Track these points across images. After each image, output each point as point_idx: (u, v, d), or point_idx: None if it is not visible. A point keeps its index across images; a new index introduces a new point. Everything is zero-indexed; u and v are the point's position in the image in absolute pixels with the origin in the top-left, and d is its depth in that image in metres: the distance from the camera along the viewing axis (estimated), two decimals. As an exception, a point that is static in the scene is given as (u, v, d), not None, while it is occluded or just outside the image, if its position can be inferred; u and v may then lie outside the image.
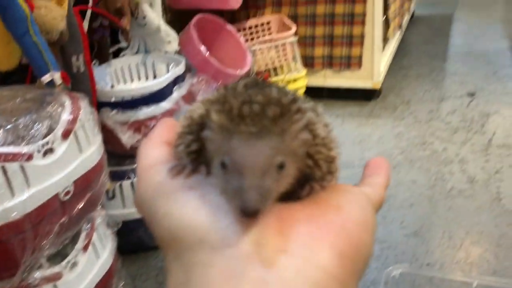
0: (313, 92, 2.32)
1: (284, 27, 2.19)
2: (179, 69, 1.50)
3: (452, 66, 2.66)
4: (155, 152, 0.31)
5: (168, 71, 1.52)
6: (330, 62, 2.27)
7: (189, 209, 0.26)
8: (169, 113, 1.42)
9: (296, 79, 2.18)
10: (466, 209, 1.55)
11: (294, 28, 2.13)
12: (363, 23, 2.14)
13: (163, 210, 0.27)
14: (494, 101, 2.23)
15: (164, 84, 1.39)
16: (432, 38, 3.14)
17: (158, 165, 0.30)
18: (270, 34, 2.25)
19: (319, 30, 2.21)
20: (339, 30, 2.18)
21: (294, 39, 2.14)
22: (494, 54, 2.73)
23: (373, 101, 2.34)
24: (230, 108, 0.26)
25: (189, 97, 1.52)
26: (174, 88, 1.45)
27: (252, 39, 2.23)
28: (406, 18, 2.96)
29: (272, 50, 2.13)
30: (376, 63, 2.21)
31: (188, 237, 0.26)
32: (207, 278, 0.24)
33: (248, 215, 0.25)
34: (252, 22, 2.26)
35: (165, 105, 1.40)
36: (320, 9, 2.17)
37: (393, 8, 2.30)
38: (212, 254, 0.24)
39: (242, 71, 1.79)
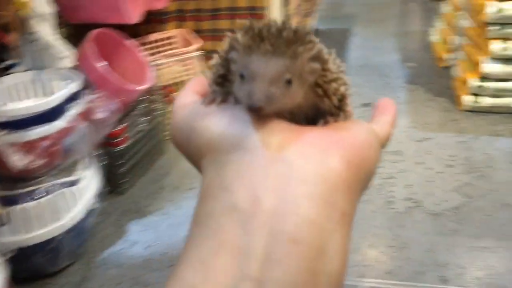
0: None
1: (188, 42, 2.20)
2: (74, 86, 1.44)
3: (350, 78, 2.81)
4: (188, 98, 0.36)
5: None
6: (235, 76, 2.31)
7: (224, 122, 0.31)
8: (65, 132, 1.37)
9: (202, 93, 2.19)
10: (363, 213, 1.64)
11: (198, 43, 2.15)
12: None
13: (201, 125, 0.32)
14: (387, 111, 2.39)
15: (57, 102, 1.34)
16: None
17: (193, 102, 0.35)
18: (174, 48, 2.24)
19: (223, 45, 2.24)
20: (242, 44, 2.23)
21: (199, 53, 2.15)
22: (387, 66, 2.94)
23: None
24: (252, 31, 0.32)
25: (87, 115, 1.47)
26: (70, 106, 1.40)
27: (156, 53, 2.21)
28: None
29: (177, 65, 2.12)
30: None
31: (223, 143, 0.31)
32: (240, 171, 0.29)
33: (253, 111, 0.30)
34: (155, 36, 2.24)
35: (60, 123, 1.35)
36: (223, 24, 2.21)
37: (292, 24, 2.39)
38: (244, 154, 0.29)
39: (143, 87, 1.77)
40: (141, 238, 1.59)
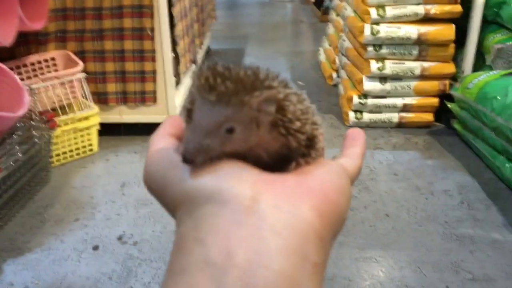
0: (109, 129, 2.25)
1: (71, 63, 2.09)
2: None
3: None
4: (162, 142, 0.37)
5: None
6: (124, 98, 2.23)
7: (197, 173, 0.32)
8: None
9: (88, 117, 2.09)
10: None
11: (81, 64, 2.05)
12: (153, 59, 2.16)
13: (177, 177, 0.33)
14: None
15: None
16: (227, 71, 3.34)
17: (167, 149, 0.36)
18: (56, 70, 2.12)
19: (109, 66, 2.16)
20: (130, 66, 2.17)
21: (82, 75, 2.05)
22: (279, 85, 3.02)
23: (171, 135, 2.37)
24: (204, 76, 0.32)
25: None
26: None
27: (35, 76, 2.07)
28: (201, 53, 3.10)
29: (58, 87, 2.00)
30: (170, 98, 2.25)
31: (198, 195, 0.31)
32: (215, 224, 0.29)
33: (186, 162, 0.32)
34: (34, 58, 2.10)
35: None
36: (108, 45, 2.13)
37: (182, 45, 2.38)
38: (218, 207, 0.30)
39: (18, 113, 1.64)
40: (18, 278, 1.46)
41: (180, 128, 0.39)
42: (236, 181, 0.31)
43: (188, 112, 0.35)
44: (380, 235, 1.66)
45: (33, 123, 1.79)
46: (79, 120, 2.07)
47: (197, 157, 0.32)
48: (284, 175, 0.33)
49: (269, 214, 0.30)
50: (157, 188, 0.35)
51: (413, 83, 2.36)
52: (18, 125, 1.71)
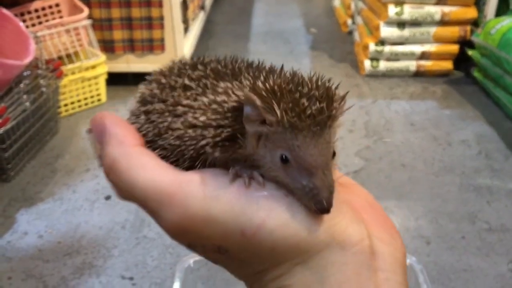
0: (116, 78, 2.20)
1: (76, 10, 2.01)
2: None
3: (254, 46, 2.77)
4: (146, 160, 0.31)
5: None
6: (131, 46, 2.17)
7: (284, 217, 0.28)
8: None
9: (95, 65, 2.03)
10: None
11: (86, 11, 1.97)
12: (160, 4, 2.07)
13: (252, 225, 0.28)
14: (291, 78, 2.39)
15: None
16: (236, 18, 3.24)
17: (195, 182, 0.30)
18: (60, 17, 2.05)
19: (115, 13, 2.08)
20: (136, 12, 2.09)
21: (87, 22, 1.98)
22: (291, 33, 2.93)
23: (181, 84, 2.31)
24: (294, 104, 0.27)
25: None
26: None
27: (39, 23, 2.01)
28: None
29: (64, 35, 1.94)
30: (179, 45, 2.18)
31: (312, 242, 0.28)
32: (343, 275, 0.27)
33: (325, 212, 0.27)
34: (37, 4, 2.02)
35: None
36: (115, -10, 2.04)
37: (190, -10, 2.28)
38: (342, 253, 0.28)
39: (24, 61, 1.59)
40: (32, 227, 1.46)
41: (135, 133, 0.33)
42: (343, 217, 0.29)
43: (226, 139, 0.30)
44: (395, 185, 1.62)
45: (39, 71, 1.74)
46: (86, 69, 2.01)
47: (333, 200, 0.28)
48: (356, 196, 0.32)
49: (381, 250, 0.29)
50: (210, 237, 0.29)
51: (433, 29, 2.25)
52: (25, 73, 1.67)
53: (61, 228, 1.46)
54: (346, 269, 0.27)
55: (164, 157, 0.33)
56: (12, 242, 1.41)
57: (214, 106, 0.31)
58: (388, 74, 2.35)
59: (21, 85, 1.65)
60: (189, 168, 0.32)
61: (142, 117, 0.35)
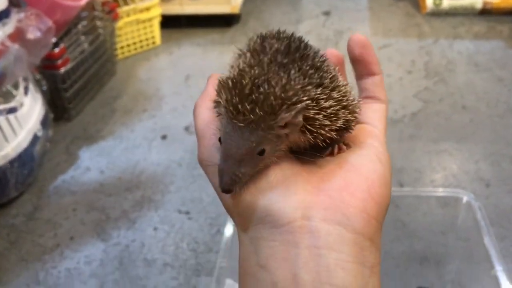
0: (170, 21, 2.21)
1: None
2: (1, 3, 1.30)
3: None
4: (206, 114, 0.37)
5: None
6: (185, -12, 2.15)
7: (248, 194, 0.32)
8: (-8, 54, 1.24)
9: (149, 7, 2.04)
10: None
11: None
12: None
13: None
14: (347, 19, 2.30)
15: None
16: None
17: (212, 126, 0.36)
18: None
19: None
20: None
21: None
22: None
23: (234, 27, 2.29)
24: (232, 102, 0.31)
25: (17, 35, 1.34)
26: (-4, 26, 1.26)
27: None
28: None
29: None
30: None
31: (251, 214, 0.32)
32: (272, 250, 0.30)
33: (224, 192, 0.32)
34: None
35: (-15, 45, 1.22)
36: None
37: None
38: (273, 230, 0.31)
39: (82, 2, 1.61)
40: (93, 164, 1.53)
41: None
42: (284, 199, 0.32)
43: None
44: (455, 128, 1.56)
45: (96, 13, 1.76)
46: (141, 11, 2.02)
47: (234, 187, 0.32)
48: (328, 176, 0.33)
49: (321, 229, 0.30)
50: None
51: (503, -38, 2.08)
52: (82, 15, 1.70)
53: (121, 164, 1.52)
54: (274, 245, 0.30)
55: None
56: (76, 177, 1.49)
57: None
58: (451, 13, 2.21)
59: (79, 26, 1.68)
60: None
61: None
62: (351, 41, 0.40)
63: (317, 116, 0.33)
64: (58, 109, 1.64)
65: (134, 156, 1.54)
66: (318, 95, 0.33)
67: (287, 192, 0.32)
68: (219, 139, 0.33)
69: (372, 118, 0.39)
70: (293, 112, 0.31)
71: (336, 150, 0.35)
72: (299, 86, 0.32)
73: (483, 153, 1.44)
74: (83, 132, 1.67)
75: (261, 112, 0.31)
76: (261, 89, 0.31)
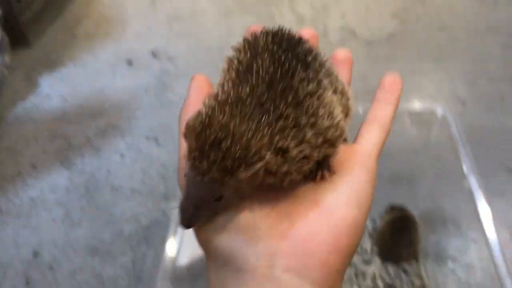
0: None
1: None
2: None
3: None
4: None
5: None
6: None
7: (216, 236, 0.34)
8: None
9: None
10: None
11: None
12: None
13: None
14: None
15: None
16: None
17: None
18: None
19: None
20: None
21: None
22: None
23: None
24: (197, 147, 0.31)
25: None
26: None
27: None
28: None
29: None
30: None
31: (218, 254, 0.33)
32: None
33: (184, 228, 0.33)
34: None
35: None
36: None
37: None
38: (238, 274, 0.32)
39: None
40: (55, 91, 1.45)
41: (208, 90, 0.38)
42: (249, 245, 0.32)
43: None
44: (433, 48, 1.51)
45: None
46: None
47: (194, 223, 0.33)
48: (297, 221, 0.33)
49: (282, 280, 0.31)
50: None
51: None
52: None
53: (84, 91, 1.45)
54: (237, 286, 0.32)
55: None
56: (36, 104, 1.41)
57: None
58: None
59: None
60: None
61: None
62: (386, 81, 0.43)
63: (281, 168, 0.32)
64: (14, 32, 1.53)
65: (97, 83, 1.47)
66: (288, 144, 0.32)
67: (254, 238, 0.33)
68: (185, 175, 0.33)
69: (367, 140, 0.38)
70: (249, 172, 0.31)
71: (318, 177, 0.35)
72: (265, 140, 0.31)
73: (460, 72, 1.41)
74: (43, 58, 1.57)
75: (218, 171, 0.31)
76: (223, 145, 0.31)
